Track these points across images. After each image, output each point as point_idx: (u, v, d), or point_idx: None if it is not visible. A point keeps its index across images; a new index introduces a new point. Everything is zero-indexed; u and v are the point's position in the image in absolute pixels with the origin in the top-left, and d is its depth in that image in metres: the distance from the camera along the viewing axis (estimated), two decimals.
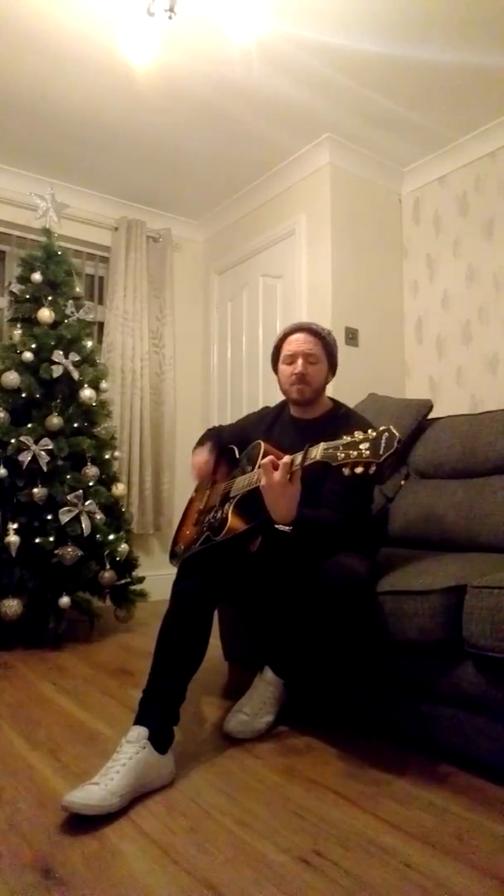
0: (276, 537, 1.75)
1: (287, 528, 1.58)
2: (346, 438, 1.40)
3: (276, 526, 1.60)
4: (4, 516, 2.69)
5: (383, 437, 1.33)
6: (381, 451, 1.32)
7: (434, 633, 1.55)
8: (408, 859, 1.19)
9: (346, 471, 1.36)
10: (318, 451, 1.45)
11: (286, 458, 1.55)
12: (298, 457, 1.51)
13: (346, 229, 3.43)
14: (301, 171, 3.52)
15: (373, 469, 1.34)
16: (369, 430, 1.37)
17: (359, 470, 1.34)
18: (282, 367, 1.92)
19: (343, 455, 1.37)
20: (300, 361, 1.85)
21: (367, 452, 1.33)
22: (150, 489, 3.86)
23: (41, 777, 1.53)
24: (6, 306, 3.29)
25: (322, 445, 1.44)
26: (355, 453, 1.35)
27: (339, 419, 1.88)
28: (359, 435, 1.38)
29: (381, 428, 1.36)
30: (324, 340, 1.90)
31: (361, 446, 1.35)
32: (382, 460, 1.32)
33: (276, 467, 1.54)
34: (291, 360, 1.88)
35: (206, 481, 2.14)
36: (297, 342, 1.88)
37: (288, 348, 1.90)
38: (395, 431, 1.34)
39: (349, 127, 3.22)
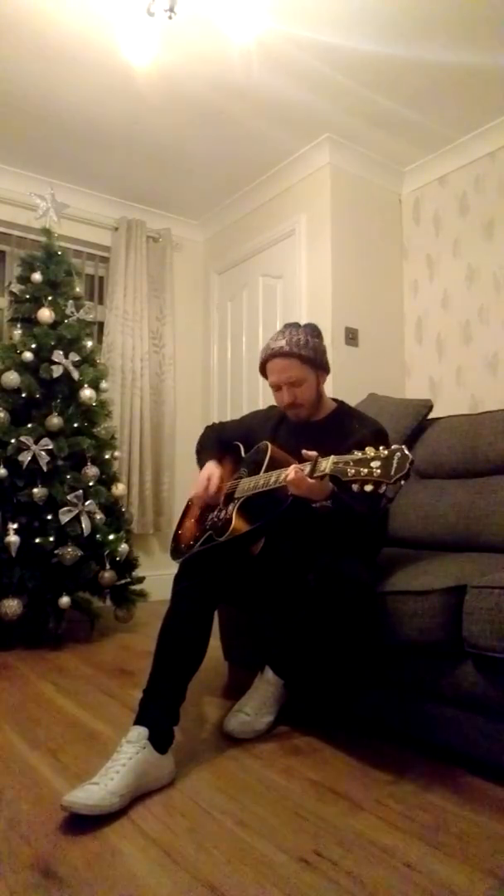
0: (278, 539, 1.75)
1: (327, 502, 1.56)
2: (358, 454, 1.37)
3: (314, 505, 1.57)
4: (4, 516, 2.69)
5: (395, 457, 1.31)
6: (392, 472, 1.30)
7: (434, 633, 1.55)
8: (408, 859, 1.19)
9: (355, 487, 1.35)
10: (328, 465, 1.42)
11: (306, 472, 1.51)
12: (307, 467, 1.49)
13: (346, 229, 3.43)
14: (301, 171, 3.52)
15: (383, 489, 1.32)
16: (381, 448, 1.35)
17: (368, 488, 1.32)
18: (273, 391, 1.92)
19: (353, 471, 1.35)
20: (285, 390, 1.85)
21: (379, 472, 1.31)
22: (150, 489, 3.86)
23: (41, 777, 1.53)
24: (6, 306, 3.29)
25: (332, 459, 1.42)
26: (366, 471, 1.33)
27: (344, 419, 1.88)
28: (370, 451, 1.35)
29: (394, 447, 1.33)
30: (300, 356, 1.82)
31: (373, 464, 1.33)
32: (393, 481, 1.30)
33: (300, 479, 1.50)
34: (277, 388, 1.87)
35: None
36: (276, 371, 1.85)
37: (270, 378, 1.88)
38: (407, 452, 1.31)
39: (349, 127, 3.22)
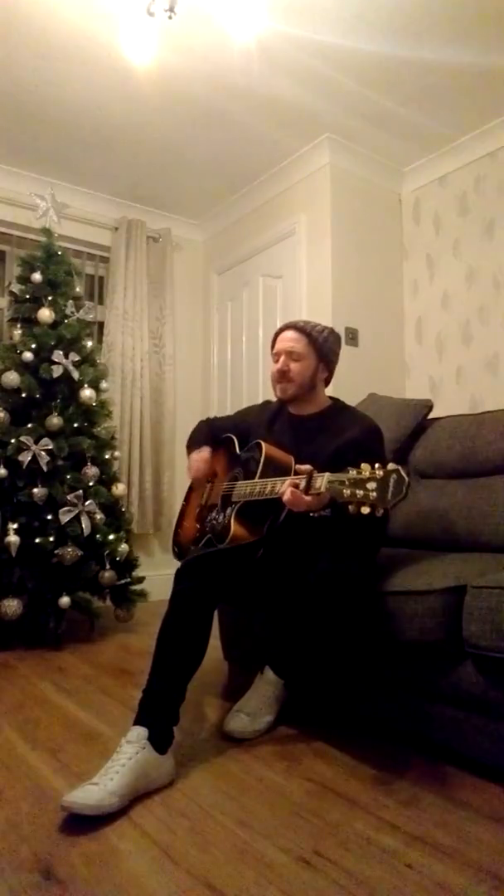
0: (277, 539, 1.75)
1: (325, 511, 1.55)
2: (353, 473, 1.36)
3: (312, 514, 1.56)
4: (4, 516, 2.68)
5: (391, 479, 1.29)
6: (388, 497, 1.29)
7: (434, 633, 1.55)
8: (408, 859, 1.19)
9: (351, 508, 1.34)
10: (322, 483, 1.42)
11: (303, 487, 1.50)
12: (302, 483, 1.48)
13: (346, 229, 3.43)
14: (301, 171, 3.52)
15: (380, 513, 1.31)
16: (376, 467, 1.33)
17: (365, 510, 1.31)
18: (272, 365, 1.95)
19: (349, 493, 1.34)
20: (282, 358, 1.88)
21: (374, 495, 1.30)
22: (150, 489, 3.86)
23: (41, 777, 1.53)
24: (6, 306, 3.29)
25: (327, 476, 1.42)
26: (361, 493, 1.31)
27: (336, 416, 1.89)
28: (366, 471, 1.34)
29: (390, 467, 1.32)
30: (310, 336, 1.89)
31: (368, 486, 1.31)
32: (391, 506, 1.29)
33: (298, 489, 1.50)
34: (276, 357, 1.91)
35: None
36: (282, 340, 1.91)
37: (275, 348, 1.93)
38: (403, 474, 1.30)
39: (349, 127, 3.21)
